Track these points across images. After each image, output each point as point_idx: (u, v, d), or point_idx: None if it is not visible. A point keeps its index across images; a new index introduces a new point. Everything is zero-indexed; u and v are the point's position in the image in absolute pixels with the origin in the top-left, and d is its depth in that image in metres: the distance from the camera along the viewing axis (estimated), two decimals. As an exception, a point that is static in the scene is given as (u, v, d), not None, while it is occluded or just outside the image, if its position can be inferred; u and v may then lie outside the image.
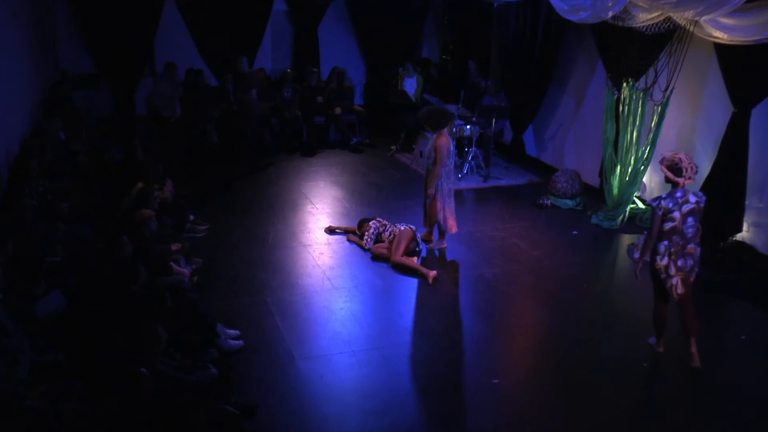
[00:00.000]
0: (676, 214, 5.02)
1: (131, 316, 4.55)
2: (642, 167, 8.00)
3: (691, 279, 5.21)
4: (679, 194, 5.04)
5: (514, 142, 11.04)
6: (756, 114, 6.95)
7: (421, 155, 9.95)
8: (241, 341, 5.33)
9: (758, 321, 6.17)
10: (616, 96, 8.18)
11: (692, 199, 5.06)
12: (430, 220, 7.36)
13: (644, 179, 8.31)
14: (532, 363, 5.49)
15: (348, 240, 7.59)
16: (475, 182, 9.93)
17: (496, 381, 5.05)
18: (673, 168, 5.01)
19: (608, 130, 8.32)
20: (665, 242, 5.09)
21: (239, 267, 6.82)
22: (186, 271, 6.05)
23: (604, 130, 8.42)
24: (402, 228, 7.13)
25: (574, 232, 8.16)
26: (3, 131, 6.81)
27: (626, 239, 7.88)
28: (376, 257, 7.11)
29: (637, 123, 7.95)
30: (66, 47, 10.85)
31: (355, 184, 9.70)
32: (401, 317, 6.04)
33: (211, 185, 9.34)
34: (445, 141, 7.06)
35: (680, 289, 5.15)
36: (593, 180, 9.24)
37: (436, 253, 7.38)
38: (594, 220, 8.43)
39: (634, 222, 8.28)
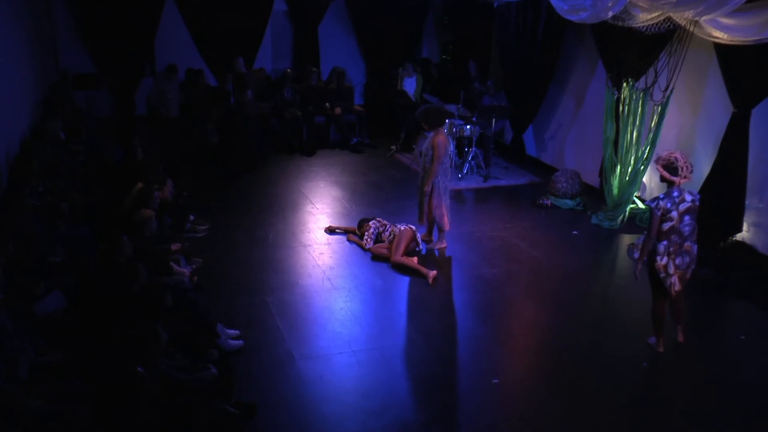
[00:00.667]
0: (674, 214, 5.06)
1: (131, 316, 4.55)
2: (642, 167, 8.00)
3: (687, 276, 5.30)
4: (675, 193, 5.08)
5: (514, 142, 11.04)
6: (756, 114, 6.95)
7: (421, 155, 9.94)
8: (241, 341, 5.33)
9: (758, 321, 6.17)
10: (616, 96, 8.18)
11: (688, 197, 5.11)
12: (429, 217, 7.36)
13: (644, 179, 8.31)
14: (532, 363, 5.49)
15: (348, 240, 7.59)
16: (475, 182, 9.93)
17: (496, 381, 5.05)
18: (669, 167, 5.05)
19: (608, 130, 8.32)
20: (664, 242, 5.12)
21: (239, 267, 6.82)
22: (186, 271, 6.05)
23: (604, 130, 8.42)
24: (402, 228, 7.13)
25: (574, 232, 8.16)
26: (3, 131, 6.81)
27: (626, 239, 7.88)
28: (376, 257, 7.11)
29: (637, 123, 7.95)
30: (66, 47, 10.86)
31: (355, 184, 9.70)
32: (401, 317, 6.04)
33: (211, 185, 9.33)
34: (443, 139, 7.06)
35: (677, 287, 5.23)
36: (593, 180, 9.24)
37: (436, 253, 7.38)
38: (594, 220, 8.44)
39: (634, 222, 8.28)
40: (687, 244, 5.18)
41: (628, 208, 8.28)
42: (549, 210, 8.88)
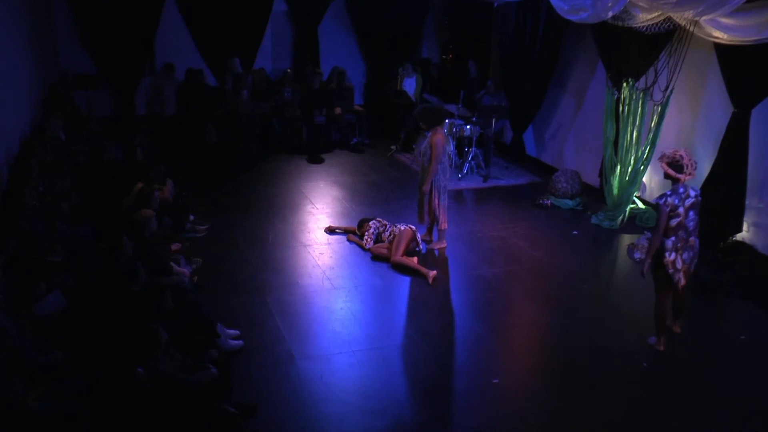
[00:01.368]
0: (681, 210, 5.13)
1: (131, 316, 4.55)
2: (642, 167, 8.00)
3: (691, 270, 5.38)
4: (681, 190, 5.15)
5: (514, 142, 11.04)
6: (756, 114, 6.95)
7: (420, 155, 9.94)
8: (241, 341, 5.33)
9: (758, 321, 6.16)
10: (616, 96, 8.18)
11: (692, 193, 5.19)
12: (429, 216, 7.35)
13: (644, 179, 8.31)
14: (532, 363, 5.49)
15: (348, 240, 7.59)
16: (475, 182, 9.93)
17: (496, 381, 5.05)
18: (675, 164, 5.11)
19: (608, 130, 8.32)
20: (672, 238, 5.18)
21: (239, 267, 6.82)
22: (186, 271, 6.05)
23: (604, 130, 8.42)
24: (402, 228, 7.13)
25: (574, 232, 8.16)
26: (3, 131, 6.81)
27: (626, 239, 7.88)
28: (376, 257, 7.11)
29: (637, 123, 7.95)
30: (66, 47, 10.86)
31: (355, 184, 9.70)
32: (401, 317, 6.04)
33: (211, 185, 9.33)
34: (441, 138, 7.06)
35: (683, 281, 5.30)
36: (593, 180, 9.24)
37: (436, 252, 7.38)
38: (594, 220, 8.43)
39: (634, 222, 8.28)
40: (692, 239, 5.27)
41: (628, 208, 8.28)
42: (549, 210, 8.88)
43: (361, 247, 7.35)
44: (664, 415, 4.74)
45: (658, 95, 7.64)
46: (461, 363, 5.37)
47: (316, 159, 10.75)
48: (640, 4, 6.57)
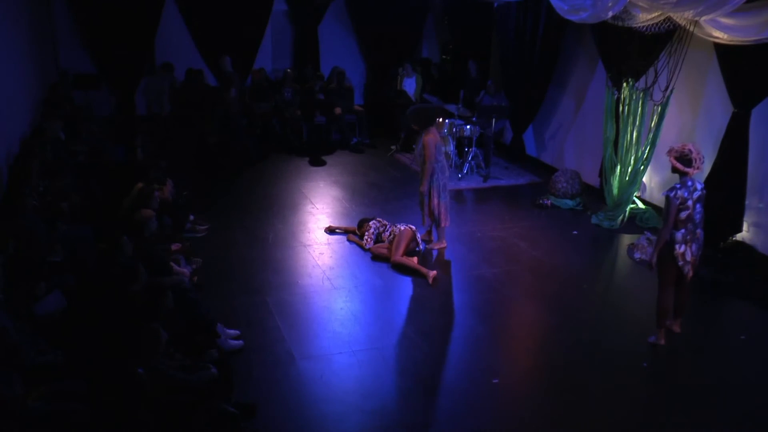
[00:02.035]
0: (690, 203, 5.21)
1: (131, 316, 4.55)
2: (642, 167, 8.00)
3: (697, 262, 5.44)
4: (689, 183, 5.23)
5: (514, 142, 11.04)
6: (756, 114, 6.95)
7: (418, 155, 9.94)
8: (241, 341, 5.33)
9: (758, 321, 6.17)
10: (616, 96, 8.18)
11: (699, 186, 5.29)
12: (430, 217, 7.34)
13: (644, 179, 8.31)
14: (532, 363, 5.49)
15: (348, 240, 7.59)
16: (475, 182, 9.93)
17: (496, 381, 5.05)
18: (683, 159, 5.18)
19: (608, 130, 8.32)
20: (682, 230, 5.24)
21: (239, 267, 6.82)
22: (186, 271, 6.05)
23: (604, 130, 8.42)
24: (402, 228, 7.13)
25: (574, 232, 8.16)
26: (3, 131, 6.81)
27: (626, 239, 7.88)
28: (376, 257, 7.11)
29: (637, 123, 7.95)
30: (66, 47, 10.87)
31: (355, 184, 9.70)
32: (401, 317, 6.04)
33: (211, 185, 9.33)
34: (432, 138, 7.05)
35: (691, 273, 5.36)
36: (593, 180, 9.24)
37: (434, 252, 7.37)
38: (594, 220, 8.43)
39: (634, 222, 8.28)
40: (698, 231, 5.34)
41: (628, 208, 8.28)
42: (549, 210, 8.88)
43: (361, 247, 7.35)
44: (664, 415, 4.74)
45: (658, 95, 7.64)
46: (461, 363, 5.37)
47: (317, 161, 10.75)
48: (640, 4, 6.57)
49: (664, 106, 7.59)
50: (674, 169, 5.24)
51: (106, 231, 5.94)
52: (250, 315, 5.85)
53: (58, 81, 10.22)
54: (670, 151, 5.26)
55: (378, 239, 7.28)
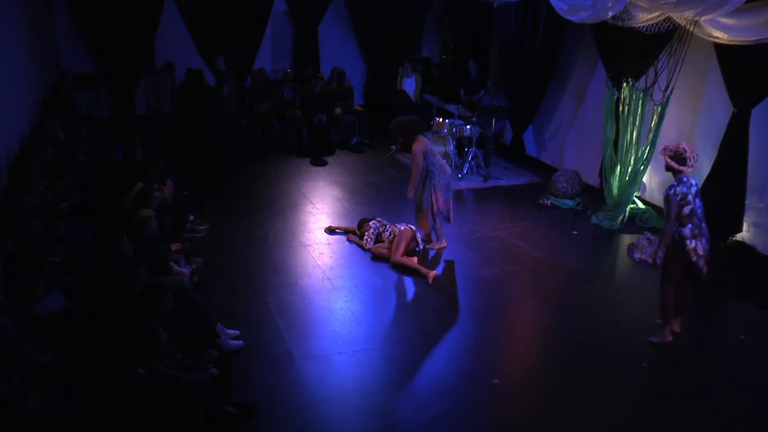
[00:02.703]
0: (690, 197, 5.26)
1: (131, 316, 4.55)
2: (642, 167, 8.00)
3: (709, 257, 5.45)
4: (685, 179, 5.28)
5: (514, 142, 11.04)
6: (756, 114, 6.95)
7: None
8: (241, 341, 5.33)
9: (758, 321, 6.16)
10: (616, 96, 8.18)
11: (693, 182, 5.34)
12: (434, 218, 7.33)
13: (644, 179, 8.31)
14: (532, 363, 5.49)
15: (348, 240, 7.59)
16: (475, 182, 9.93)
17: (496, 381, 5.05)
18: (678, 157, 5.23)
19: (608, 130, 8.32)
20: (689, 225, 5.28)
21: (239, 267, 6.82)
22: (186, 271, 6.05)
23: (604, 130, 8.42)
24: (402, 228, 7.13)
25: (574, 232, 8.16)
26: (3, 131, 6.81)
27: (626, 239, 7.88)
28: (376, 257, 7.11)
29: (637, 123, 7.95)
30: (66, 47, 10.87)
31: (355, 184, 9.70)
32: (401, 317, 6.03)
33: (211, 185, 9.33)
34: (420, 146, 7.05)
35: (706, 269, 5.38)
36: (593, 180, 9.24)
37: (431, 252, 7.37)
38: (594, 220, 8.43)
39: (634, 222, 8.28)
40: (703, 224, 5.37)
41: (628, 208, 8.28)
42: (549, 210, 8.88)
43: (361, 247, 7.35)
44: (664, 414, 4.74)
45: (658, 95, 7.64)
46: (461, 363, 5.37)
47: (317, 161, 10.75)
48: (640, 4, 6.57)
49: (664, 106, 7.59)
50: (668, 168, 5.28)
51: (106, 231, 5.93)
52: (250, 315, 5.85)
53: (58, 81, 10.22)
54: (664, 150, 5.29)
55: (378, 239, 7.28)
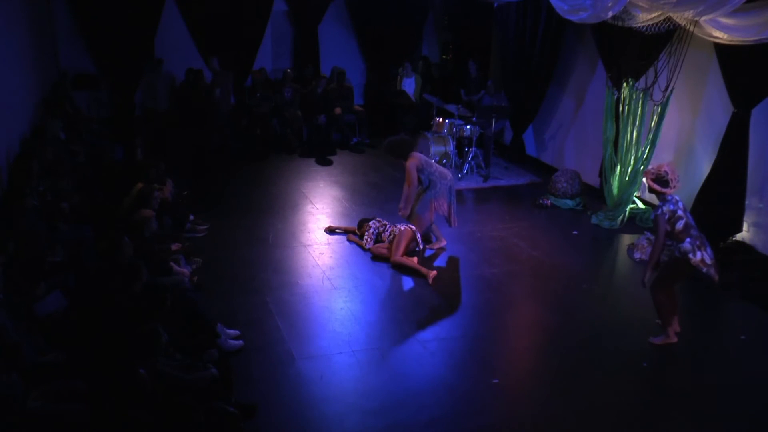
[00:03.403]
0: (680, 212, 5.27)
1: (131, 316, 4.55)
2: (642, 167, 8.00)
3: (717, 263, 5.39)
4: (670, 198, 5.33)
5: (514, 142, 11.04)
6: (756, 114, 6.95)
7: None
8: (241, 341, 5.33)
9: (758, 321, 6.17)
10: (616, 96, 8.18)
11: (677, 198, 5.39)
12: (449, 220, 7.39)
13: (644, 179, 8.30)
14: (532, 363, 5.49)
15: (348, 240, 7.59)
16: (475, 182, 9.93)
17: (496, 381, 5.05)
18: (660, 180, 5.32)
19: (608, 130, 8.32)
20: (687, 240, 5.27)
21: (239, 267, 6.82)
22: (186, 271, 6.05)
23: (604, 130, 8.42)
24: (402, 228, 7.13)
25: (574, 232, 8.17)
26: (3, 131, 6.81)
27: (626, 239, 7.88)
28: (376, 257, 7.11)
29: (637, 123, 7.95)
30: (66, 47, 10.86)
31: (355, 184, 9.70)
32: (401, 317, 6.03)
33: (211, 185, 9.33)
34: (414, 161, 7.12)
35: (717, 276, 5.32)
36: (593, 180, 9.24)
37: (428, 252, 7.37)
38: (594, 220, 8.44)
39: (634, 222, 8.29)
40: (701, 234, 5.37)
41: (628, 208, 8.28)
42: (549, 210, 8.88)
43: (361, 247, 7.35)
44: (664, 414, 4.74)
45: (658, 95, 7.64)
46: (461, 363, 5.37)
47: (317, 161, 10.74)
48: (640, 4, 6.57)
49: (664, 106, 7.59)
50: (651, 190, 5.37)
51: (106, 231, 5.94)
52: (250, 315, 5.85)
53: (58, 81, 10.22)
54: (646, 174, 5.41)
55: (378, 239, 7.28)
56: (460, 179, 9.86)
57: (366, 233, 7.33)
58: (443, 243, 7.49)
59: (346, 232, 7.76)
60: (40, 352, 4.27)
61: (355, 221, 7.74)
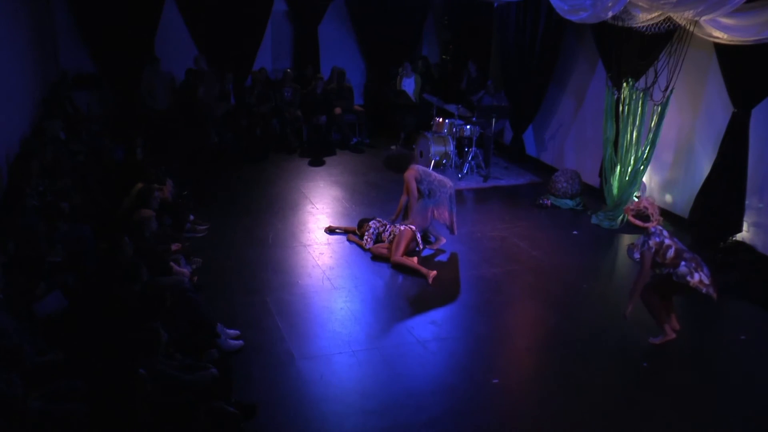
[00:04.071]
0: (668, 241, 5.35)
1: (131, 316, 4.55)
2: (642, 167, 8.00)
3: (714, 282, 5.42)
4: (653, 230, 5.40)
5: (514, 142, 11.04)
6: (756, 114, 6.95)
7: (421, 155, 9.96)
8: (241, 341, 5.33)
9: (758, 321, 6.17)
10: (616, 96, 8.18)
11: (660, 227, 5.47)
12: (451, 228, 7.44)
13: (644, 179, 8.31)
14: (532, 363, 5.49)
15: (348, 240, 7.59)
16: (475, 182, 9.93)
17: (496, 381, 5.05)
18: (641, 215, 5.44)
19: (608, 130, 8.32)
20: (682, 264, 5.31)
21: (239, 267, 6.82)
22: (186, 271, 6.05)
23: (604, 130, 8.42)
24: (402, 228, 7.13)
25: (574, 232, 8.16)
26: (3, 131, 6.81)
27: (626, 239, 7.88)
28: (376, 257, 7.11)
29: (637, 123, 7.96)
30: (66, 47, 10.86)
31: (355, 184, 9.69)
32: (401, 317, 6.03)
33: (210, 185, 9.33)
34: (412, 172, 7.35)
35: (715, 295, 5.36)
36: (593, 180, 9.24)
37: (426, 251, 7.36)
38: (594, 220, 8.44)
39: (634, 222, 8.27)
40: (694, 255, 5.40)
41: (628, 208, 8.28)
42: (549, 210, 8.88)
43: (361, 247, 7.35)
44: (663, 414, 4.74)
45: (658, 95, 7.64)
46: (461, 363, 5.37)
47: (317, 161, 10.74)
48: (640, 4, 6.57)
49: (664, 106, 7.60)
50: (635, 226, 5.49)
51: (106, 231, 5.93)
52: (250, 315, 5.85)
53: (58, 81, 10.22)
54: (626, 211, 5.59)
55: (378, 239, 7.28)
56: (460, 179, 9.86)
57: (366, 233, 7.33)
58: (442, 242, 7.50)
59: (346, 232, 7.76)
60: (40, 352, 4.27)
61: (355, 221, 7.74)
